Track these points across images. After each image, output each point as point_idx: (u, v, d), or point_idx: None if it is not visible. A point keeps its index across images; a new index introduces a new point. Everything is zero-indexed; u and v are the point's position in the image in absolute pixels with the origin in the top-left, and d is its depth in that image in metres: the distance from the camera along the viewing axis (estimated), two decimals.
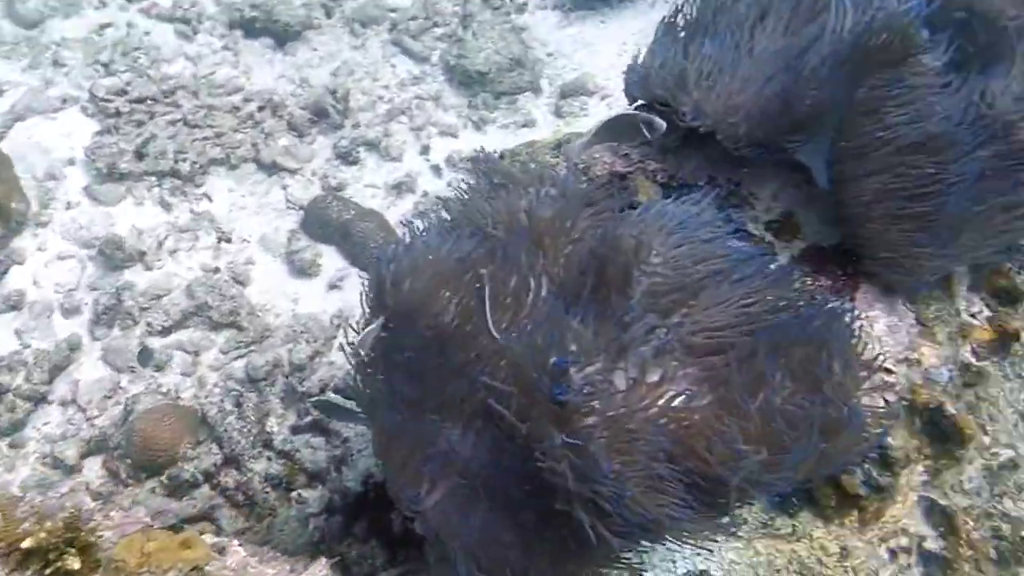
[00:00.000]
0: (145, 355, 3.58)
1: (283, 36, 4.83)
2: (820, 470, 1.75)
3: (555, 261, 1.97)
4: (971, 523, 1.99)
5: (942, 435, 1.97)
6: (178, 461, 3.24)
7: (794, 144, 2.07)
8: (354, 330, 1.94)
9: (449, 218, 2.21)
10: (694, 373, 1.86)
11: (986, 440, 2.11)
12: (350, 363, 1.94)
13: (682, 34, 2.18)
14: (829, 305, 1.92)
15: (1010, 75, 1.84)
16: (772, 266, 2.10)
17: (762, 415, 1.74)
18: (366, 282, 1.95)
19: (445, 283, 1.96)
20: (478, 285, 1.98)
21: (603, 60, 4.64)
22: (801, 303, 1.88)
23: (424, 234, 2.08)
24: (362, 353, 1.94)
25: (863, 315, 1.99)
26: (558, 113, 4.54)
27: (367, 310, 1.95)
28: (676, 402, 1.80)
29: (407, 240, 2.04)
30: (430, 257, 1.99)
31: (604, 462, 1.64)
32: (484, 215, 2.14)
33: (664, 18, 2.22)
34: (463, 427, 1.91)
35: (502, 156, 2.60)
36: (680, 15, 2.15)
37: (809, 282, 2.07)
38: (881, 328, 1.98)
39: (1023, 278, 2.17)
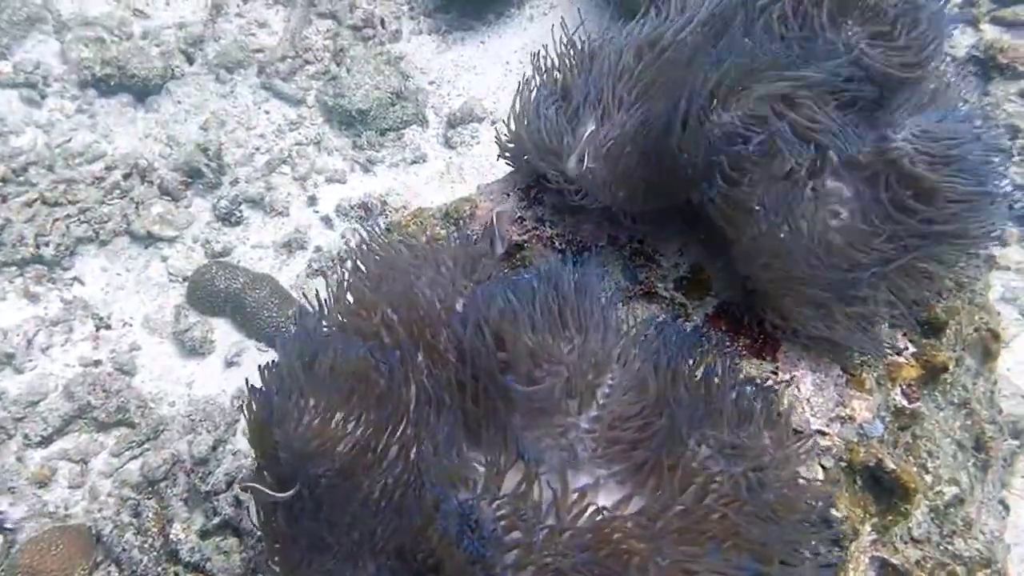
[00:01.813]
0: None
1: (142, 91, 4.47)
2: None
3: (446, 362, 1.77)
4: None
5: (885, 491, 1.86)
6: None
7: (694, 195, 1.94)
8: (248, 485, 1.71)
9: (331, 314, 2.00)
10: (620, 471, 1.69)
11: (929, 479, 2.02)
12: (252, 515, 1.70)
13: (557, 87, 2.01)
14: (748, 376, 1.79)
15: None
16: (686, 331, 1.96)
17: (697, 514, 1.59)
18: (246, 420, 1.71)
19: (337, 408, 1.74)
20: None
21: (488, 83, 4.45)
22: (718, 374, 1.74)
23: (303, 344, 1.85)
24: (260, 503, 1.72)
25: (789, 376, 1.86)
26: (448, 144, 4.33)
27: (254, 455, 1.72)
28: (604, 512, 1.62)
29: (285, 361, 1.80)
30: (315, 380, 1.77)
31: None
32: (369, 309, 1.93)
33: (535, 66, 2.05)
34: (377, 568, 1.70)
35: (389, 229, 2.38)
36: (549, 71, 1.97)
37: (727, 344, 1.93)
38: (808, 388, 1.85)
39: (943, 306, 2.08)
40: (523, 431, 1.65)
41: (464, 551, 1.43)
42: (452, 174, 4.26)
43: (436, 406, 1.73)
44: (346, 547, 1.71)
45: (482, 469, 1.63)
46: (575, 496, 1.62)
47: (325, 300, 2.01)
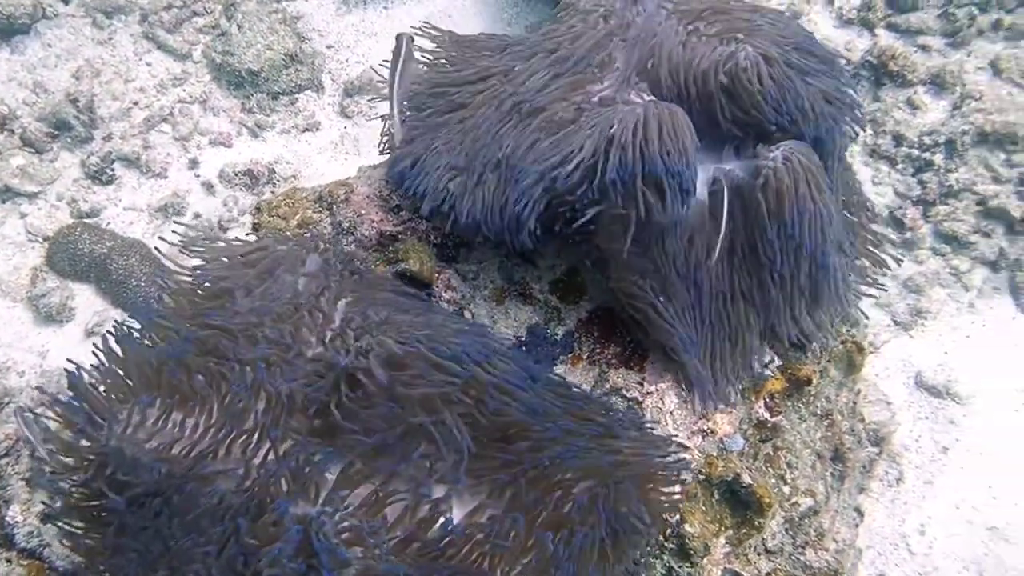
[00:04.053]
0: None
1: (7, 29, 4.09)
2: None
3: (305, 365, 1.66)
4: None
5: (741, 504, 1.88)
6: None
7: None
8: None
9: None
10: (477, 483, 1.63)
11: (786, 490, 2.05)
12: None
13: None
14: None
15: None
16: (557, 338, 1.92)
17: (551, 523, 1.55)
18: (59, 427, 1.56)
19: (174, 409, 1.61)
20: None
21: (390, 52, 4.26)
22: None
23: (134, 340, 1.70)
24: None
25: (654, 387, 1.84)
26: (344, 113, 4.15)
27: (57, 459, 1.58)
28: (457, 520, 1.56)
29: (115, 359, 1.66)
30: (149, 379, 1.63)
31: None
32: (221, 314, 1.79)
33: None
34: None
35: (259, 209, 2.23)
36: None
37: (598, 350, 1.90)
38: (672, 400, 1.84)
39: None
40: (382, 440, 1.57)
41: (295, 570, 1.34)
42: (346, 145, 4.09)
43: (288, 411, 1.62)
44: (178, 558, 1.59)
45: (331, 478, 1.55)
46: (426, 508, 1.55)
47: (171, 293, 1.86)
